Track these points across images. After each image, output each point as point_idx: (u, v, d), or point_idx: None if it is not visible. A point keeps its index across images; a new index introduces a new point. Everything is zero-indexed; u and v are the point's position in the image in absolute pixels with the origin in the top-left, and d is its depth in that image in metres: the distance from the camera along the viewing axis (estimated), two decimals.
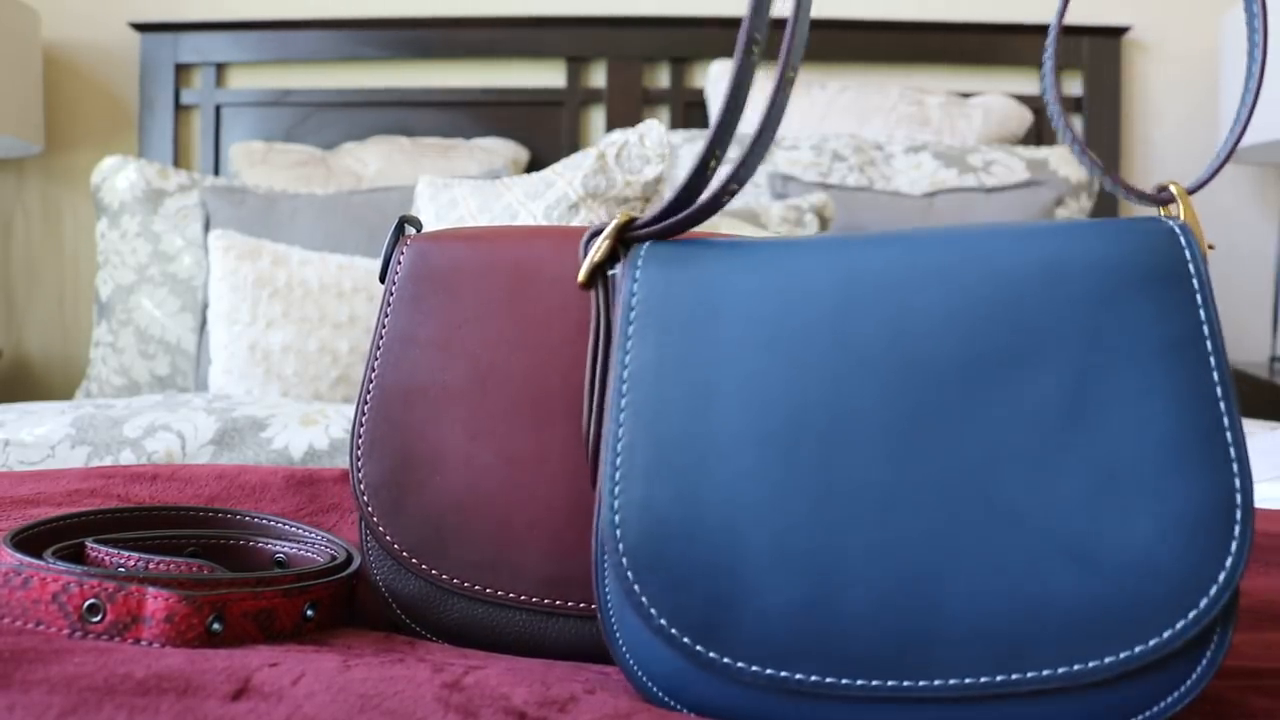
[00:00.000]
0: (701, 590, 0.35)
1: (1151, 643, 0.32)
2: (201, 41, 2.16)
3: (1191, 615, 0.32)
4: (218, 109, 2.16)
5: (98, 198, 1.87)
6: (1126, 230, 0.37)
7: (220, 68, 2.18)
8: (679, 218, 0.41)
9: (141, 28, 2.15)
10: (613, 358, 0.39)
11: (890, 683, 0.33)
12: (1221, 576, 0.32)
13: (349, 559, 0.51)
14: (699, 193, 0.41)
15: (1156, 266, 0.36)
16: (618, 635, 0.38)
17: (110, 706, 0.32)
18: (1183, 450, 0.33)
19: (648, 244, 0.42)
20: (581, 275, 0.43)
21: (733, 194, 0.40)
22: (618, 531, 0.36)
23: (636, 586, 0.35)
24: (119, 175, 1.85)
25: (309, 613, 0.45)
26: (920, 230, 0.39)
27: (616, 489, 0.37)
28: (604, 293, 0.43)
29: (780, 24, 2.09)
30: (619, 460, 0.37)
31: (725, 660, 0.34)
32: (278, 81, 2.18)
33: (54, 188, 2.24)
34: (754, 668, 0.34)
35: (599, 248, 0.43)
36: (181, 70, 2.18)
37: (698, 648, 0.35)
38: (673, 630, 0.35)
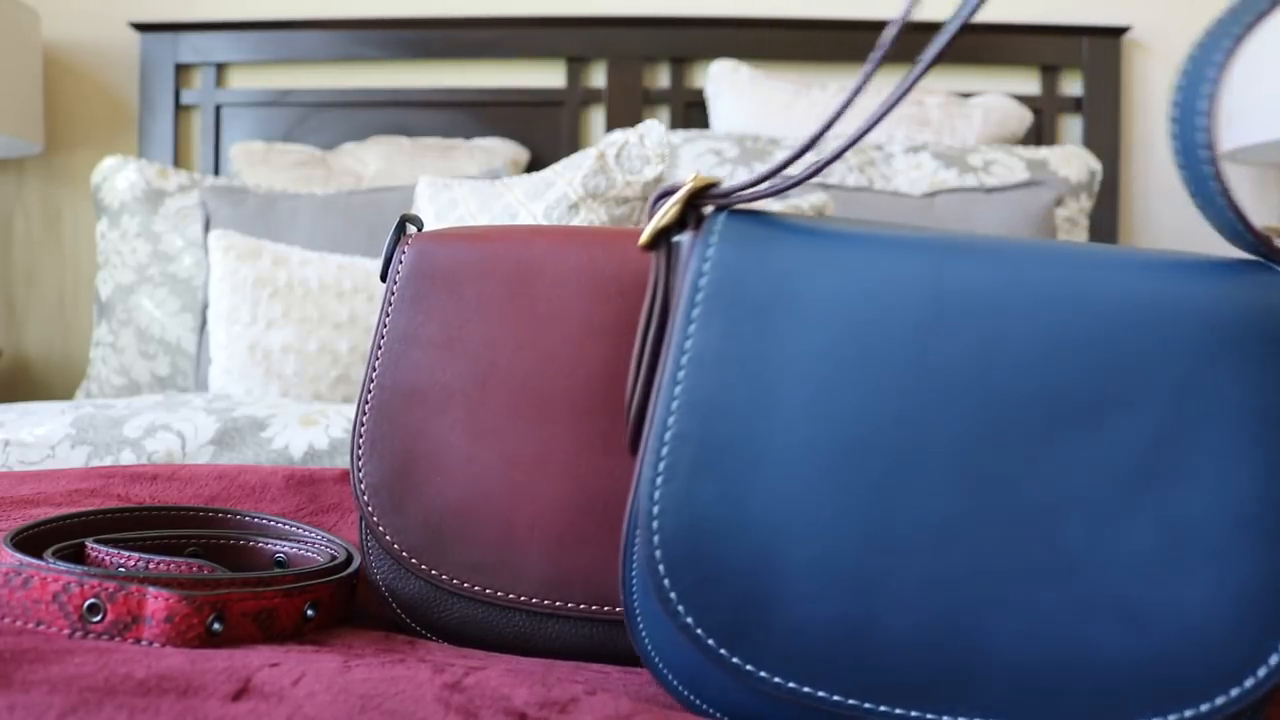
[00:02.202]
0: (734, 593, 0.34)
1: (1188, 713, 0.31)
2: (201, 41, 2.16)
3: (1235, 692, 0.31)
4: (218, 109, 2.16)
5: (98, 198, 1.87)
6: (1239, 276, 0.35)
7: (220, 68, 2.18)
8: (769, 184, 0.37)
9: (141, 28, 2.15)
10: (671, 335, 0.37)
11: (914, 713, 0.32)
12: (1274, 659, 0.31)
13: (349, 559, 0.51)
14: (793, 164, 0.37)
15: (1264, 326, 0.34)
16: (640, 623, 0.37)
17: (111, 707, 0.32)
18: (1256, 524, 0.32)
19: (723, 215, 0.38)
20: (644, 237, 0.39)
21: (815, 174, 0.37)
22: (655, 522, 0.35)
23: (667, 580, 0.34)
24: (119, 175, 1.85)
25: (309, 613, 0.45)
26: (1020, 243, 0.37)
27: (659, 479, 0.35)
28: (666, 260, 0.40)
29: (779, 24, 2.09)
30: (665, 450, 0.35)
31: (748, 667, 0.33)
32: (278, 81, 2.18)
33: (54, 188, 2.24)
34: (777, 679, 0.33)
35: (667, 210, 0.38)
36: (181, 70, 2.18)
37: (721, 650, 0.34)
38: (698, 630, 0.34)
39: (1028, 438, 0.33)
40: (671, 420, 0.35)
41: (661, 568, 0.34)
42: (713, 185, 0.38)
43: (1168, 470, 0.33)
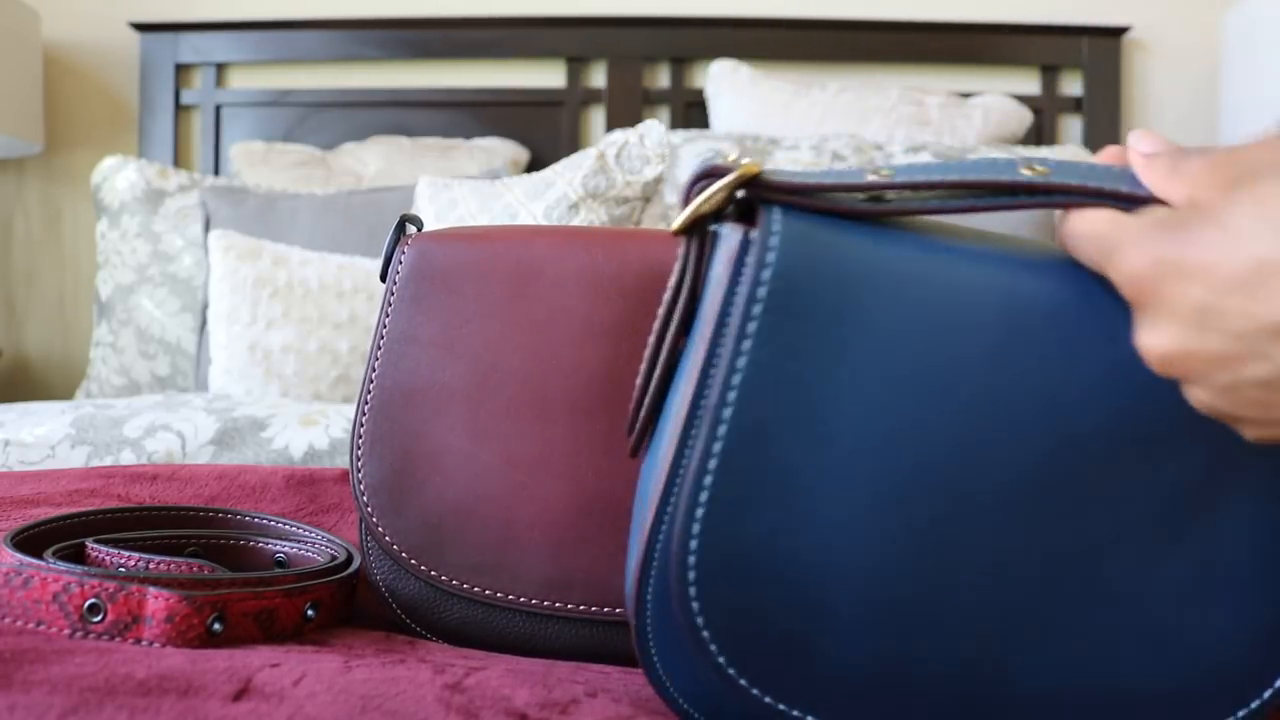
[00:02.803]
0: (774, 633, 0.32)
1: None
2: (201, 41, 2.16)
3: (1242, 714, 0.32)
4: (218, 109, 2.16)
5: (98, 198, 1.87)
6: None
7: (220, 68, 2.18)
8: (840, 183, 0.33)
9: (141, 28, 2.15)
10: (711, 346, 0.32)
11: None
12: (1278, 682, 0.32)
13: (349, 559, 0.51)
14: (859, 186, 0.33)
15: None
16: (653, 651, 0.35)
17: (111, 707, 0.32)
18: (1273, 558, 0.32)
19: (779, 211, 0.33)
20: (680, 222, 0.34)
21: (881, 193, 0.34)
22: (691, 557, 0.32)
23: (700, 619, 0.32)
24: (119, 175, 1.85)
25: (310, 613, 0.45)
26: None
27: (699, 510, 0.32)
28: (699, 249, 0.35)
29: (779, 24, 2.09)
30: (710, 479, 0.32)
31: (781, 707, 0.32)
32: (278, 81, 2.18)
33: (54, 188, 2.24)
34: (810, 718, 0.32)
35: (711, 194, 0.34)
36: (181, 70, 2.18)
37: (753, 690, 0.32)
38: (730, 669, 0.32)
39: (1084, 471, 0.32)
40: (718, 446, 0.32)
41: (695, 604, 0.32)
42: (762, 175, 0.34)
43: (1207, 506, 0.32)
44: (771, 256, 0.32)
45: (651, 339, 0.37)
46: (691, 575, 0.32)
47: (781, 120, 1.94)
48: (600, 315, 0.48)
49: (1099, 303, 0.32)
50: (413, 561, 0.48)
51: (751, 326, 0.32)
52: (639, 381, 0.37)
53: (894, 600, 0.32)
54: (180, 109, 2.18)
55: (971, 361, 0.32)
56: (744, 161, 0.33)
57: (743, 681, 0.32)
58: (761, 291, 0.32)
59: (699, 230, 0.35)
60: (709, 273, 0.35)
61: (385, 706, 0.33)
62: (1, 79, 1.93)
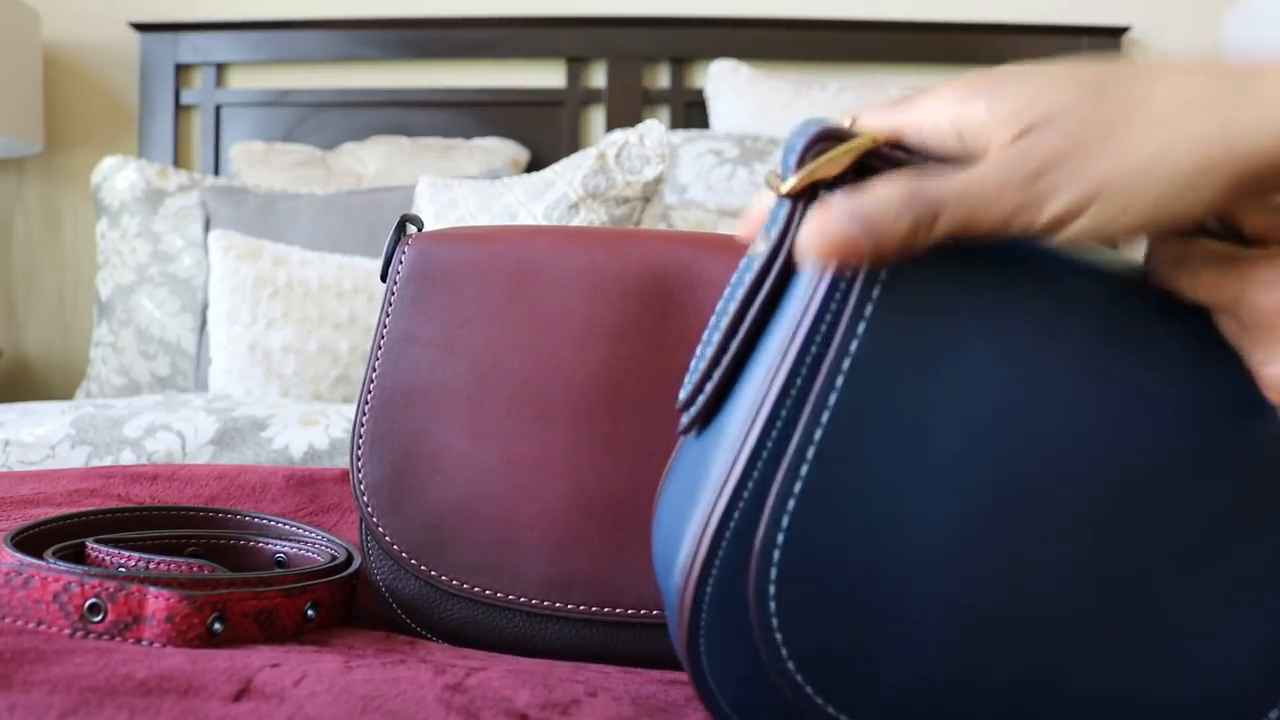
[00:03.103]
0: (847, 642, 0.31)
1: None
2: (201, 41, 2.16)
3: None
4: (218, 109, 2.16)
5: (98, 198, 1.87)
6: None
7: (220, 68, 2.18)
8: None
9: (141, 28, 2.15)
10: (828, 321, 0.30)
11: None
12: None
13: (349, 559, 0.51)
14: None
15: None
16: (702, 651, 0.33)
17: (111, 707, 0.32)
18: None
19: None
20: (793, 182, 0.31)
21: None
22: (776, 552, 0.30)
23: (776, 619, 0.30)
24: (119, 175, 1.85)
25: (310, 613, 0.45)
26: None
27: (792, 503, 0.30)
28: (802, 216, 0.32)
29: (779, 24, 2.09)
30: (807, 468, 0.30)
31: (842, 717, 0.31)
32: (278, 82, 2.18)
33: (54, 188, 2.24)
34: None
35: (834, 157, 0.31)
36: (181, 70, 2.18)
37: (817, 699, 0.31)
38: (798, 675, 0.31)
39: (1148, 490, 0.32)
40: (819, 433, 0.30)
41: (773, 604, 0.30)
42: (903, 147, 0.31)
43: (1246, 524, 0.32)
44: (890, 271, 0.30)
45: (734, 307, 0.34)
46: (774, 573, 0.30)
47: (782, 120, 1.94)
48: (601, 315, 0.48)
49: (1178, 337, 0.32)
50: (413, 561, 0.48)
51: (868, 309, 0.30)
52: (710, 352, 0.34)
53: (963, 619, 0.31)
54: (180, 109, 2.18)
55: (1067, 373, 0.31)
56: (869, 130, 0.31)
57: (808, 689, 0.31)
58: (883, 274, 0.30)
59: (813, 195, 0.32)
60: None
61: (386, 707, 0.33)
62: (1, 79, 1.93)
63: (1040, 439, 0.31)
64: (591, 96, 2.12)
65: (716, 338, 0.34)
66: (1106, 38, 2.08)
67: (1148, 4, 2.12)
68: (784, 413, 0.31)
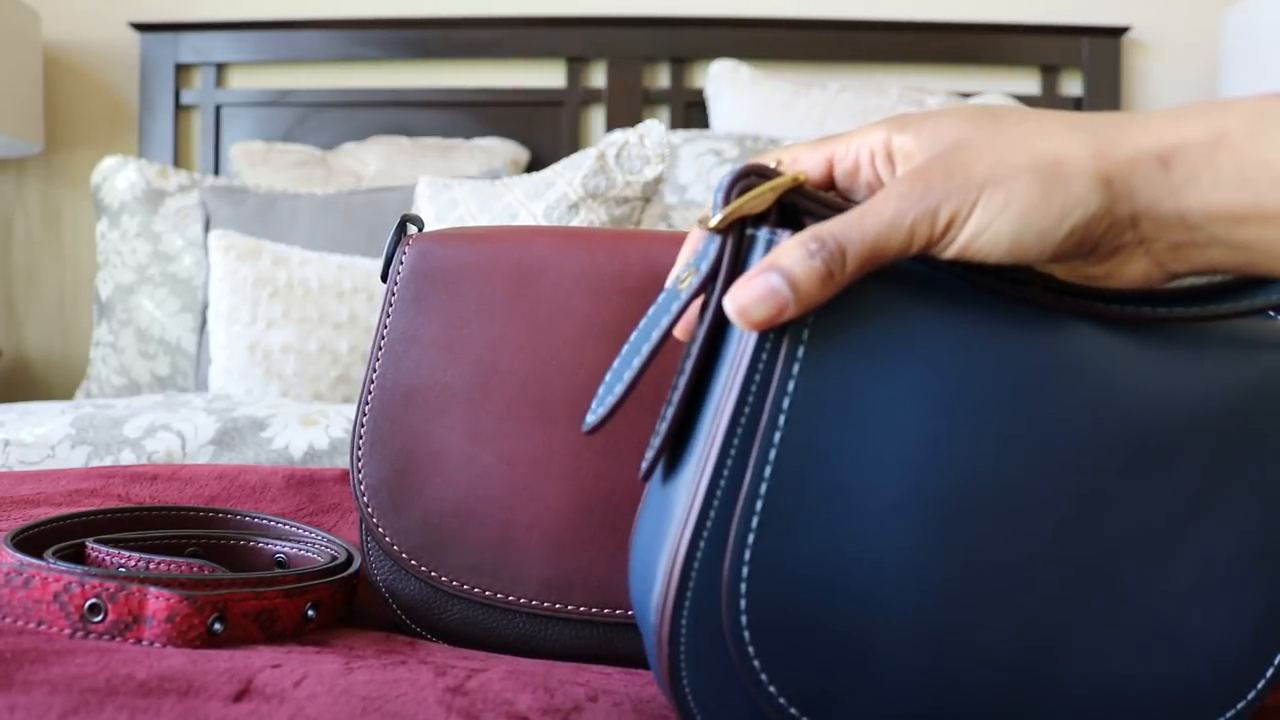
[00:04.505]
0: (824, 659, 0.31)
1: None
2: (201, 41, 2.16)
3: (1240, 705, 0.34)
4: (218, 109, 2.16)
5: (98, 198, 1.87)
6: None
7: (220, 68, 2.18)
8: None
9: (141, 28, 2.15)
10: (765, 360, 0.32)
11: None
12: (1270, 671, 0.34)
13: (349, 559, 0.51)
14: None
15: None
16: (685, 683, 0.33)
17: (112, 707, 0.32)
18: (1267, 552, 0.34)
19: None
20: (719, 218, 0.33)
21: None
22: (743, 585, 0.31)
23: (752, 648, 0.31)
24: (119, 175, 1.85)
25: (310, 613, 0.45)
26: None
27: (752, 536, 0.31)
28: (735, 252, 0.34)
29: (779, 24, 2.09)
30: (761, 504, 0.31)
31: None
32: (278, 81, 2.18)
33: (54, 188, 2.24)
34: None
35: (758, 193, 0.33)
36: (181, 70, 2.18)
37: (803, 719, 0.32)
38: (780, 699, 0.31)
39: (1105, 481, 0.33)
40: (769, 471, 0.31)
41: (747, 634, 0.31)
42: (806, 183, 0.33)
43: (1208, 508, 0.33)
44: None
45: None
46: (744, 603, 0.31)
47: (781, 120, 1.94)
48: (601, 315, 0.48)
49: (1119, 332, 0.34)
50: (413, 562, 0.48)
51: (800, 349, 0.31)
52: (671, 400, 0.35)
53: (938, 624, 0.32)
54: (180, 109, 2.18)
55: (1010, 379, 0.32)
56: (794, 169, 0.34)
57: (793, 710, 0.31)
58: (810, 319, 0.31)
59: (738, 231, 0.33)
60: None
61: (386, 708, 0.33)
62: (1, 79, 1.93)
63: (983, 450, 0.32)
64: (591, 96, 2.12)
65: (677, 382, 0.36)
66: (1106, 38, 2.08)
67: (1148, 4, 2.12)
68: (733, 451, 0.32)
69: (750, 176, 0.33)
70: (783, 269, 0.31)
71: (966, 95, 2.01)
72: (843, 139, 0.34)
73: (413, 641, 0.47)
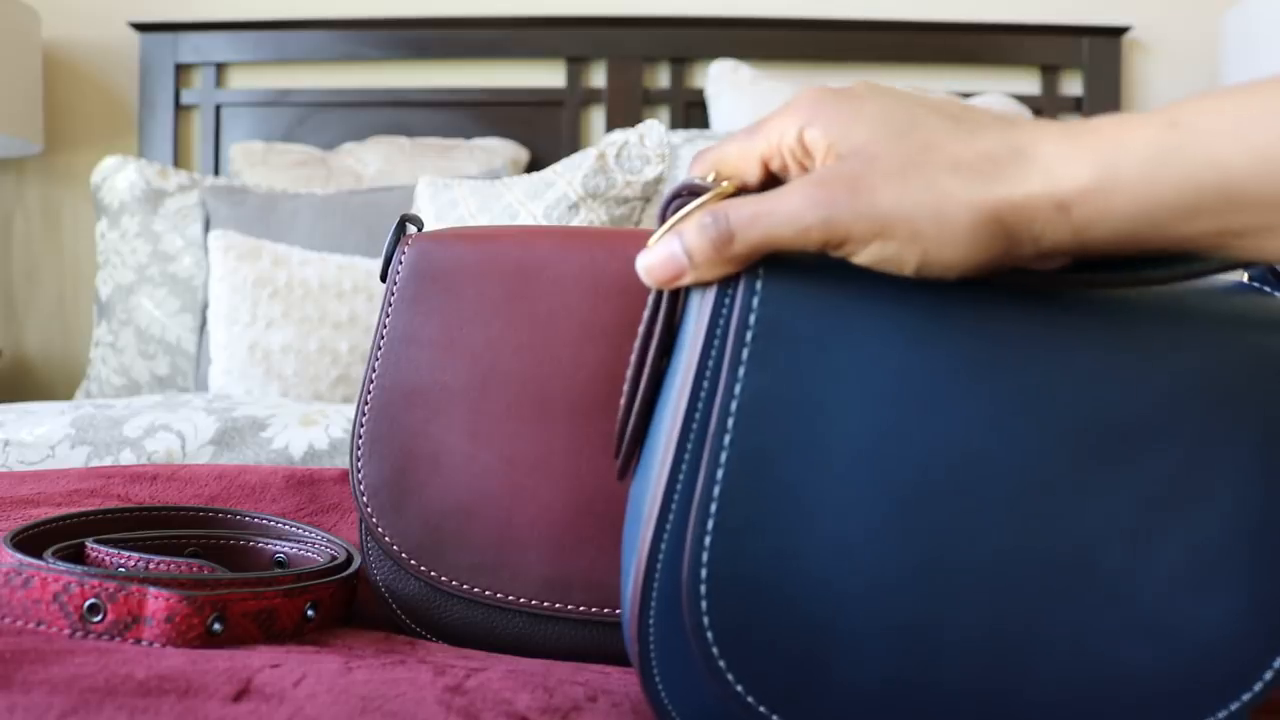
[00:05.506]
0: (790, 656, 0.32)
1: None
2: (201, 41, 2.16)
3: (1246, 697, 0.33)
4: (218, 109, 2.16)
5: (98, 198, 1.87)
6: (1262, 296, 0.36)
7: (220, 68, 2.18)
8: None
9: (141, 28, 2.15)
10: (711, 367, 0.33)
11: None
12: (1277, 662, 0.33)
13: (349, 559, 0.51)
14: None
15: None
16: (659, 683, 0.34)
17: (111, 707, 0.32)
18: (1263, 540, 0.33)
19: None
20: (657, 235, 0.34)
21: None
22: (703, 587, 0.31)
23: (716, 649, 0.31)
24: (119, 175, 1.85)
25: (310, 613, 0.45)
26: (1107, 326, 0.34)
27: (708, 539, 0.32)
28: None
29: (779, 24, 2.09)
30: (715, 506, 0.32)
31: None
32: (277, 81, 2.18)
33: (54, 188, 2.24)
34: None
35: (690, 209, 0.34)
36: (181, 70, 2.18)
37: (773, 717, 0.32)
38: (749, 698, 0.32)
39: (1074, 469, 0.32)
40: (721, 474, 0.32)
41: (710, 635, 0.31)
42: (741, 191, 0.34)
43: (1195, 493, 0.33)
44: (759, 285, 0.33)
45: (631, 362, 0.37)
46: (704, 604, 0.32)
47: None
48: (601, 315, 0.48)
49: (1080, 308, 0.33)
50: (412, 562, 0.48)
51: (745, 353, 0.32)
52: (622, 403, 0.37)
53: (904, 616, 0.32)
54: (180, 109, 2.18)
55: (959, 368, 0.33)
56: (723, 183, 0.34)
57: (761, 709, 0.32)
58: (752, 318, 0.33)
59: None
60: (689, 294, 0.36)
61: (385, 708, 0.33)
62: (1, 79, 1.93)
63: (934, 441, 0.32)
64: (591, 96, 2.12)
65: (625, 389, 0.38)
66: (1107, 38, 2.08)
67: (1148, 4, 2.12)
68: (687, 455, 0.33)
69: (683, 196, 0.34)
70: (681, 236, 0.33)
71: (966, 95, 2.01)
72: (764, 133, 0.34)
73: (412, 641, 0.47)
